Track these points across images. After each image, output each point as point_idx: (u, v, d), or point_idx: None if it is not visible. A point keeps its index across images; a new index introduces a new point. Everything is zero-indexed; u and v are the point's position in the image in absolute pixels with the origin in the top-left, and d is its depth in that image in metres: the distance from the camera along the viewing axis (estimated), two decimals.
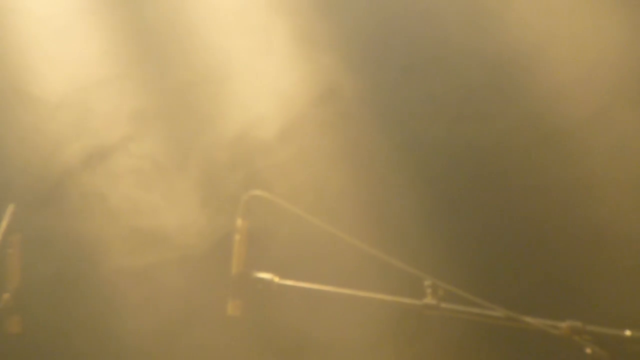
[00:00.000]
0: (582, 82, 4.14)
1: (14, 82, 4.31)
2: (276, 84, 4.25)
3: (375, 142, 4.30)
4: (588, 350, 2.88)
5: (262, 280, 2.79)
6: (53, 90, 4.39)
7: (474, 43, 4.38)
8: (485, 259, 4.37)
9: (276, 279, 2.81)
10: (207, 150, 4.28)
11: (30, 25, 4.49)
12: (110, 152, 4.46)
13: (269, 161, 4.23)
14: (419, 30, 4.32)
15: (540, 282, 4.29)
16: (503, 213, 4.35)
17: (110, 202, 4.34)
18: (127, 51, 4.39)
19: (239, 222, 2.86)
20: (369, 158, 4.37)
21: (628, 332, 2.85)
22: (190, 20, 4.21)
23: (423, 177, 4.32)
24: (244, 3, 4.40)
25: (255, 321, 3.83)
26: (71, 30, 4.47)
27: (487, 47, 4.25)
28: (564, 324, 2.85)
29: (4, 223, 3.02)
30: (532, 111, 4.13)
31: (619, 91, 4.09)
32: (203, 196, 4.31)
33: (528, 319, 2.92)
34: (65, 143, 4.26)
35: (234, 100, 4.20)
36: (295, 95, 4.25)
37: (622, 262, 4.14)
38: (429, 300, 2.71)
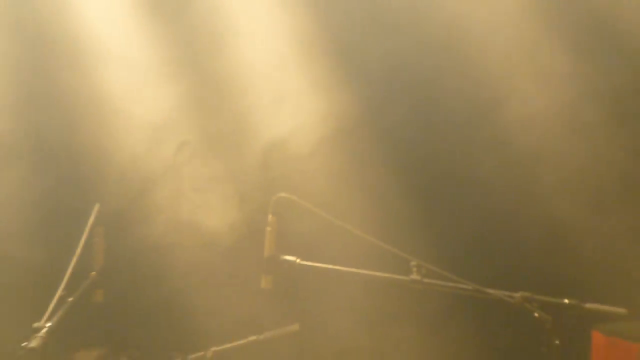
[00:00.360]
0: (537, 115, 4.76)
1: (118, 105, 5.11)
2: (310, 112, 4.96)
3: (378, 157, 4.90)
4: (535, 314, 3.38)
5: (287, 261, 3.37)
6: (144, 114, 5.15)
7: (461, 86, 4.93)
8: (458, 244, 4.79)
9: (298, 260, 3.38)
10: (252, 162, 5.01)
11: (127, 67, 5.23)
12: (179, 166, 5.13)
13: (298, 169, 4.96)
14: (418, 75, 4.92)
15: (499, 261, 4.77)
16: (475, 212, 4.84)
17: (174, 201, 5.02)
18: (199, 88, 5.15)
19: (270, 217, 3.37)
20: (372, 168, 4.94)
21: (566, 300, 3.43)
22: (250, 62, 5.05)
23: (413, 185, 4.85)
24: (293, 51, 5.07)
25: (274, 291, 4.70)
26: (157, 72, 5.22)
27: (469, 88, 4.97)
28: (518, 294, 3.32)
29: (92, 218, 3.64)
30: (499, 135, 4.87)
31: (566, 120, 4.75)
32: (242, 197, 5.04)
33: (490, 291, 3.44)
34: (147, 155, 5.06)
35: (278, 122, 4.96)
36: (320, 121, 4.93)
37: (563, 246, 4.69)
38: (414, 276, 3.18)
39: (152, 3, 5.54)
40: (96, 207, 3.80)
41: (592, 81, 4.98)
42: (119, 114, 5.31)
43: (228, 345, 4.24)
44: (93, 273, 3.67)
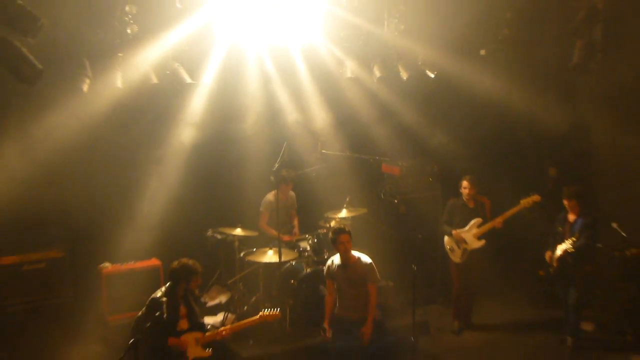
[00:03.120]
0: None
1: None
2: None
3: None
4: (376, 157, 10.30)
5: (322, 152, 10.44)
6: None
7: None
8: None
9: (323, 150, 10.39)
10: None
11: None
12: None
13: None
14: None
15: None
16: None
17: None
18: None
19: (318, 144, 10.47)
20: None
21: (377, 157, 10.43)
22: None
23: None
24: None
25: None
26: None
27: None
28: (377, 157, 10.47)
29: (284, 148, 8.94)
30: None
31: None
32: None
33: (378, 157, 10.51)
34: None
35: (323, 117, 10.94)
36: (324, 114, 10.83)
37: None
38: (348, 153, 10.39)
39: None
40: (285, 145, 8.84)
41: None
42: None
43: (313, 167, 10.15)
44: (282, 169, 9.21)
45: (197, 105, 9.92)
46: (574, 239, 8.86)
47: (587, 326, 10.04)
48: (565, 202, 9.16)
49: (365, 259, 8.02)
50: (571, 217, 9.23)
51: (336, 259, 8.05)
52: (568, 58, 10.04)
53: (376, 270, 8.02)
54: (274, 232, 9.41)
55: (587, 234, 8.95)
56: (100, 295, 9.17)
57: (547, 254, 9.31)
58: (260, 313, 7.44)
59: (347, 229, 8.05)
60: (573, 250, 8.86)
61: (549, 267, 9.31)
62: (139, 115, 9.47)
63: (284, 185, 9.80)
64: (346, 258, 7.92)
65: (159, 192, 9.76)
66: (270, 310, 7.51)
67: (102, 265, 9.37)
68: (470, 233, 9.83)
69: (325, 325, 8.06)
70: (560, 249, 9.00)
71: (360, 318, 7.92)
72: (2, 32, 7.36)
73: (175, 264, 7.07)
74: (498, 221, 9.66)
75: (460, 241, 9.85)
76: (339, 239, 7.86)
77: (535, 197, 9.44)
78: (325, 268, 8.23)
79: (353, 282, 7.95)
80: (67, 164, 8.85)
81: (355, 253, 8.04)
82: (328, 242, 8.41)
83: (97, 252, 9.36)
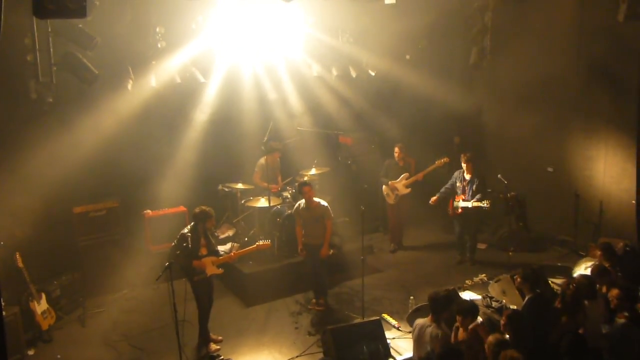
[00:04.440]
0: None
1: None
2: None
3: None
4: (340, 137, 10.36)
5: (299, 128, 10.13)
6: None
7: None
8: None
9: (299, 127, 10.09)
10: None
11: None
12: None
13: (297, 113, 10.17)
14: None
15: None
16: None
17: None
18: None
19: (298, 127, 10.11)
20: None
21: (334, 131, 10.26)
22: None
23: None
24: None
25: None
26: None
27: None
28: (337, 131, 10.43)
29: (270, 127, 9.01)
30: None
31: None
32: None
33: (339, 132, 10.54)
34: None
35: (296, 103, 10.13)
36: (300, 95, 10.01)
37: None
38: (318, 129, 10.10)
39: None
40: (271, 123, 8.97)
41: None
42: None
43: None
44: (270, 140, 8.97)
45: (208, 96, 9.64)
46: (489, 200, 8.86)
47: (482, 245, 10.19)
48: (463, 165, 9.18)
49: (323, 203, 8.10)
50: (467, 175, 9.21)
51: (302, 203, 8.11)
52: (467, 59, 10.12)
53: (330, 210, 8.09)
54: (265, 185, 9.28)
55: (482, 188, 9.06)
56: (144, 232, 9.17)
57: (450, 205, 9.41)
58: (257, 242, 7.47)
59: (308, 182, 8.12)
60: (489, 207, 8.90)
61: (455, 209, 9.33)
62: (168, 104, 9.26)
63: (272, 152, 9.47)
64: (309, 202, 8.02)
65: (183, 158, 9.52)
66: (264, 240, 7.55)
67: (145, 211, 9.29)
68: (401, 183, 9.88)
69: (300, 248, 8.23)
70: (472, 204, 9.02)
71: (320, 243, 8.08)
72: (69, 47, 7.50)
73: (196, 209, 7.09)
74: (420, 175, 9.77)
75: (393, 189, 9.92)
76: (303, 190, 7.94)
77: (446, 159, 9.54)
78: (294, 209, 8.32)
79: (315, 218, 8.05)
80: (118, 139, 8.64)
81: (316, 199, 8.08)
82: None
83: (141, 202, 9.24)
